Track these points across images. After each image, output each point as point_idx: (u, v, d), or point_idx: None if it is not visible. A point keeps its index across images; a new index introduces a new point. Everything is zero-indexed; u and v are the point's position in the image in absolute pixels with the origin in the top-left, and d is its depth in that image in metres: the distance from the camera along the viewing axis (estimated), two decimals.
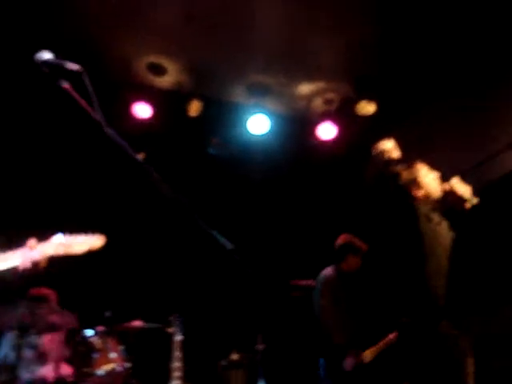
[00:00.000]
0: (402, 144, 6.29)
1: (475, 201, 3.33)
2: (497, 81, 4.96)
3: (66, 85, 1.87)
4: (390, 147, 3.00)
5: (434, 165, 5.16)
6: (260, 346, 4.69)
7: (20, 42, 4.94)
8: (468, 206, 3.33)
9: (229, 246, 1.83)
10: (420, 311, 3.13)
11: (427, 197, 3.42)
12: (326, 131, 6.49)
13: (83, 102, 1.79)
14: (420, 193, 3.42)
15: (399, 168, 3.14)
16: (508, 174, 4.70)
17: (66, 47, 3.32)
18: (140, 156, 1.71)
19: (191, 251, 5.72)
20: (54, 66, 1.91)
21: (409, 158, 5.41)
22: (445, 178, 3.67)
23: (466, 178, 5.09)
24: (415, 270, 3.22)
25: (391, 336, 4.47)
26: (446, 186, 3.42)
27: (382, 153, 2.98)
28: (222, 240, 1.80)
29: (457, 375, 2.93)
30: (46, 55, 1.96)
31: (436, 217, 3.36)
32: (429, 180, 3.47)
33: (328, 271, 4.69)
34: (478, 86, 5.19)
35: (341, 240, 4.82)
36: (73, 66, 1.91)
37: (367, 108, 6.07)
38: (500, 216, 3.42)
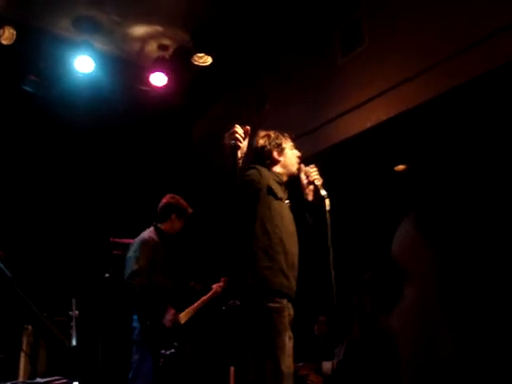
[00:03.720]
0: (239, 100, 6.23)
1: (324, 193, 3.27)
2: (331, 46, 5.03)
3: None
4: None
5: (273, 125, 5.12)
6: (74, 312, 4.30)
7: None
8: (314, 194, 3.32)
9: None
10: (242, 288, 3.05)
11: (283, 167, 3.33)
12: (158, 78, 6.09)
13: None
14: (280, 159, 3.31)
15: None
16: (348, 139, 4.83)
17: None
18: None
19: None
20: None
21: (247, 116, 5.30)
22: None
23: (305, 140, 5.17)
24: (243, 247, 3.08)
25: (204, 297, 4.51)
26: (304, 168, 3.35)
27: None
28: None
29: (272, 350, 2.91)
30: None
31: (280, 191, 3.24)
32: (291, 154, 3.36)
33: (148, 233, 4.38)
34: (316, 49, 5.22)
35: (166, 199, 4.54)
36: None
37: (203, 59, 5.79)
38: (339, 180, 3.44)
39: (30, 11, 5.23)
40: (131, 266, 4.15)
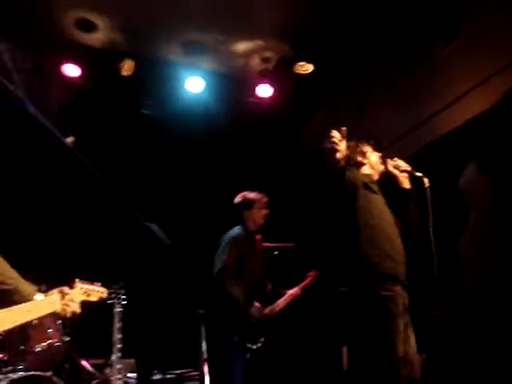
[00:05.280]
0: (338, 106, 6.37)
1: (420, 174, 3.48)
2: (428, 44, 5.01)
3: None
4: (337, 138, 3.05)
5: (370, 128, 5.23)
6: (201, 310, 4.63)
7: None
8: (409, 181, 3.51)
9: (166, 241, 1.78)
10: (354, 278, 3.23)
11: (371, 168, 3.57)
12: (264, 90, 6.42)
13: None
14: (364, 162, 3.57)
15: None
16: (443, 136, 4.80)
17: None
18: (69, 139, 1.57)
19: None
20: None
21: (346, 121, 5.42)
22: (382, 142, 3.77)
23: (401, 142, 5.21)
24: (348, 240, 3.30)
25: (297, 289, 4.68)
26: (391, 162, 3.56)
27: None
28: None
29: (387, 336, 3.05)
30: None
31: (374, 187, 3.44)
32: (374, 155, 3.62)
33: (235, 230, 4.63)
34: (412, 49, 5.23)
35: (235, 199, 4.73)
36: None
37: (305, 67, 6.01)
38: (436, 177, 3.54)
39: (144, 43, 5.80)
40: (217, 263, 4.38)
